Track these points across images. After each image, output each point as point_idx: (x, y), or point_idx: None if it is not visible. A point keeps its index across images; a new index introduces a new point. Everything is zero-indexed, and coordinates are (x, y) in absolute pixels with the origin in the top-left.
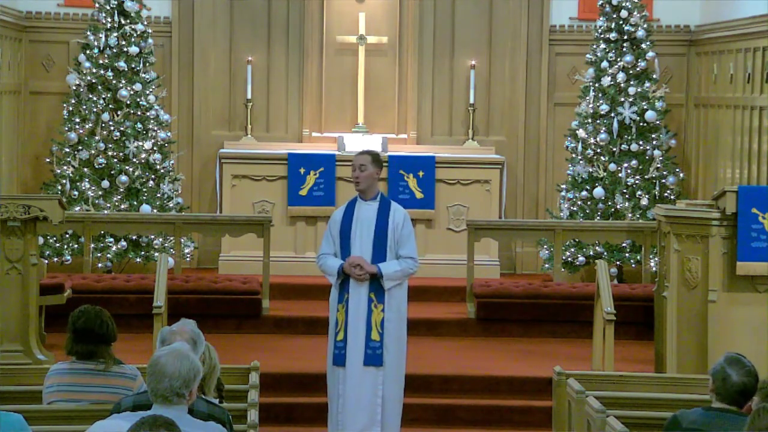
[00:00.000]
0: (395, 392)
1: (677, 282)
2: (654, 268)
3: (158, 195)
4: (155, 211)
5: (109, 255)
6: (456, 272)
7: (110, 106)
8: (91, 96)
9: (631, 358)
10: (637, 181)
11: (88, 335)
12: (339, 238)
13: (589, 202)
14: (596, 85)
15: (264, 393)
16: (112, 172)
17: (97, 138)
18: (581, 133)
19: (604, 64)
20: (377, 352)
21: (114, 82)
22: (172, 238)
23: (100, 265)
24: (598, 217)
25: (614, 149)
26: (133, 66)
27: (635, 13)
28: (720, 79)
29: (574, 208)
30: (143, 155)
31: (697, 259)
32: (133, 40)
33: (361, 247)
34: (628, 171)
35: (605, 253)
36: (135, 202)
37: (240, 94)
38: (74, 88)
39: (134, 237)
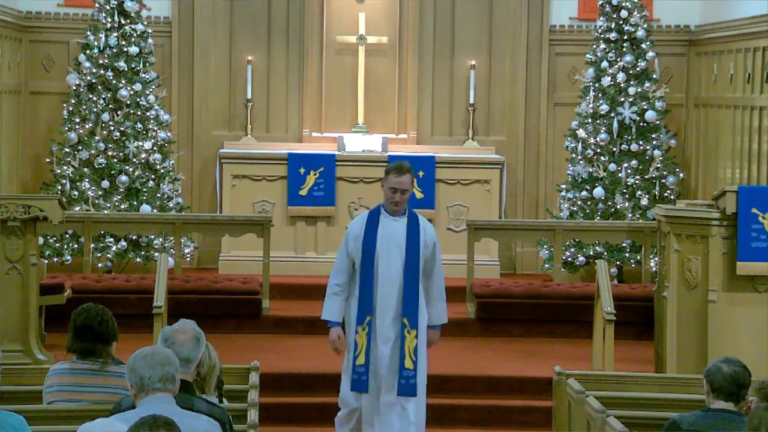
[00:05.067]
0: (422, 419)
1: (677, 282)
2: (654, 268)
3: (158, 195)
4: (155, 211)
5: (109, 255)
6: (456, 272)
7: (110, 106)
8: (91, 96)
9: (631, 358)
10: (637, 181)
11: (87, 333)
12: (361, 257)
13: (589, 202)
14: (596, 85)
15: (264, 393)
16: (112, 172)
17: (97, 138)
18: (581, 133)
19: (604, 64)
20: (411, 382)
21: (114, 82)
22: (172, 238)
23: (100, 265)
24: (598, 217)
25: (614, 149)
26: (133, 66)
27: (635, 13)
28: (720, 79)
29: (574, 208)
30: (143, 155)
31: (697, 259)
32: (133, 40)
33: (388, 269)
34: (628, 171)
35: (605, 253)
36: (135, 202)
37: (240, 94)
38: (74, 88)
39: (134, 237)
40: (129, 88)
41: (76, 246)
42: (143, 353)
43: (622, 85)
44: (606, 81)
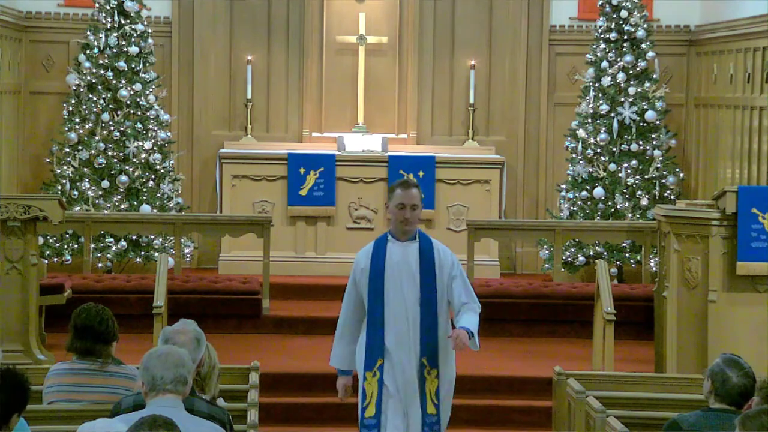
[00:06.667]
0: None
1: (677, 282)
2: (654, 268)
3: (158, 195)
4: (155, 211)
5: (109, 255)
6: None
7: (110, 106)
8: (91, 96)
9: (631, 358)
10: (637, 181)
11: (87, 332)
12: (368, 292)
13: (589, 202)
14: (596, 85)
15: (264, 393)
16: (112, 172)
17: (97, 138)
18: (581, 133)
19: (604, 64)
20: (434, 429)
21: (114, 82)
22: (172, 238)
23: (100, 265)
24: (598, 217)
25: (614, 149)
26: (133, 66)
27: (635, 13)
28: (720, 79)
29: (574, 208)
30: (143, 155)
31: (697, 259)
32: (133, 40)
33: (401, 303)
34: (628, 171)
35: (605, 253)
36: (135, 202)
37: (240, 94)
38: (74, 88)
39: (134, 237)
40: (129, 88)
41: (76, 246)
42: (158, 352)
43: (622, 85)
44: (606, 81)
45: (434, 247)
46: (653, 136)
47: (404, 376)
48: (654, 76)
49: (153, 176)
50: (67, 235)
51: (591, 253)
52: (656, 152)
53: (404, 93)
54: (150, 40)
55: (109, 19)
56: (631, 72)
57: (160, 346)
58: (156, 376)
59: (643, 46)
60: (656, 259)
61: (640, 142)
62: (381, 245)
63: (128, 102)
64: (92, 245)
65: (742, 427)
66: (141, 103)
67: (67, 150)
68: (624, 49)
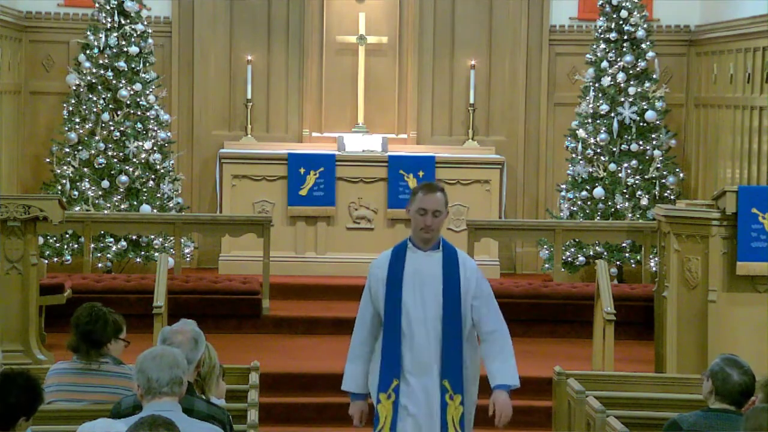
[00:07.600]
0: None
1: (677, 282)
2: (654, 268)
3: (158, 195)
4: (155, 211)
5: (109, 255)
6: None
7: (110, 106)
8: (91, 96)
9: (631, 358)
10: (637, 181)
11: (85, 332)
12: (385, 305)
13: (589, 202)
14: (596, 85)
15: (264, 393)
16: (112, 172)
17: (97, 138)
18: (581, 133)
19: (604, 64)
20: None
21: (114, 82)
22: (172, 238)
23: (100, 265)
24: (598, 217)
25: (614, 149)
26: (133, 66)
27: (635, 13)
28: (720, 79)
29: (574, 208)
30: (143, 155)
31: (697, 259)
32: (133, 40)
33: (422, 318)
34: (628, 171)
35: (605, 253)
36: (135, 202)
37: (240, 94)
38: (74, 88)
39: (134, 237)
40: (129, 88)
41: (76, 246)
42: (152, 354)
43: (622, 85)
44: (606, 81)
45: (459, 259)
46: (653, 136)
47: (424, 400)
48: (654, 76)
49: (153, 176)
50: (67, 235)
51: (591, 253)
52: (656, 152)
53: (404, 93)
54: (150, 40)
55: (109, 19)
56: (631, 72)
57: (153, 347)
58: (152, 378)
59: (643, 46)
60: (656, 259)
61: (640, 142)
62: (400, 253)
63: (128, 102)
64: (92, 245)
65: (745, 426)
66: (141, 103)
67: (67, 150)
68: (624, 49)
